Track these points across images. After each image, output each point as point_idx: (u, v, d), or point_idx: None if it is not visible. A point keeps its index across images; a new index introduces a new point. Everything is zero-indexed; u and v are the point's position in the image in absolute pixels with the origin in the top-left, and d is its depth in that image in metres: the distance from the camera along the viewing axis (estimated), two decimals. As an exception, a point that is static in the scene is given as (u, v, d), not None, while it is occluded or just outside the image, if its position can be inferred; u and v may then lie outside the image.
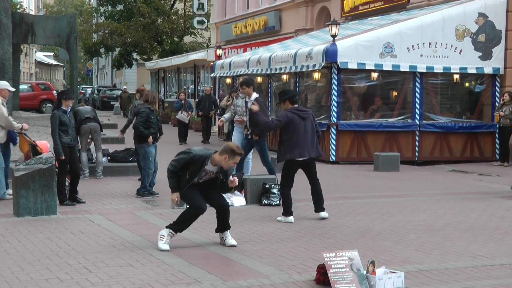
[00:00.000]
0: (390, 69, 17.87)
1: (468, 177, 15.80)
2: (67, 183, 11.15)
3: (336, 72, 17.65)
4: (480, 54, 18.46)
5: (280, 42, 25.78)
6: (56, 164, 10.74)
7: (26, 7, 71.36)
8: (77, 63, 16.66)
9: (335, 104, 17.60)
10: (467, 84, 19.21)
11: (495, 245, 8.45)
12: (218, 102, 24.96)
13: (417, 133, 18.18)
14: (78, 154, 11.75)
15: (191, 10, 43.61)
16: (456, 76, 18.59)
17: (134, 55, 50.48)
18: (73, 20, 22.06)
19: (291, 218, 9.86)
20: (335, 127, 17.69)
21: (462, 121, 18.80)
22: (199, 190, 8.10)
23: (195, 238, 8.55)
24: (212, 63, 28.31)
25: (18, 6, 54.00)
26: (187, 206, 8.30)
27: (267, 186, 11.26)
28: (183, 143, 23.02)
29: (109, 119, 31.11)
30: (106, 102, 51.38)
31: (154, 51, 47.95)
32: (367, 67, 17.76)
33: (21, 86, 33.50)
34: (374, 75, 18.09)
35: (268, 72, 21.30)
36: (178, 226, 8.09)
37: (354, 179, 14.88)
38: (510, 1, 18.70)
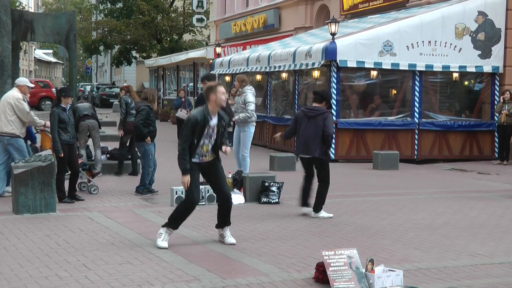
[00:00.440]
0: (390, 67, 17.87)
1: (467, 175, 15.81)
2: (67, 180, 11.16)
3: (335, 70, 17.65)
4: (479, 52, 18.47)
5: (279, 40, 25.80)
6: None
7: (26, 5, 71.37)
8: (76, 60, 16.60)
9: (334, 102, 17.59)
10: (466, 83, 19.22)
11: (494, 244, 8.45)
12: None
13: (416, 131, 18.18)
14: (78, 152, 11.74)
15: (191, 8, 43.60)
16: (455, 75, 18.60)
17: (134, 53, 50.47)
18: (73, 17, 21.99)
19: (304, 209, 10.18)
20: (334, 126, 17.66)
21: (461, 120, 18.81)
22: (205, 176, 8.11)
23: (194, 236, 8.55)
24: (211, 61, 28.34)
25: (17, 4, 53.99)
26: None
27: (266, 184, 11.25)
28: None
29: (106, 117, 31.08)
30: (106, 100, 51.36)
31: (153, 48, 47.95)
32: (367, 65, 17.76)
33: (20, 84, 33.47)
34: (374, 73, 18.09)
35: (267, 70, 21.31)
36: (174, 222, 8.05)
37: (353, 177, 14.89)
38: (509, 0, 18.70)
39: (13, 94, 11.47)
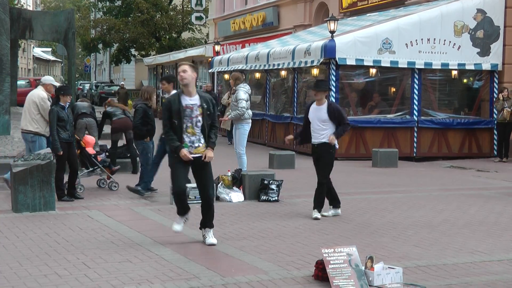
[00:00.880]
0: (389, 65, 17.87)
1: (466, 173, 15.81)
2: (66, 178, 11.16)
3: (334, 68, 17.65)
4: (478, 50, 18.46)
5: (278, 38, 25.78)
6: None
7: (24, 3, 71.25)
8: (75, 58, 16.64)
9: (333, 100, 17.57)
10: (465, 80, 19.22)
11: (493, 241, 8.46)
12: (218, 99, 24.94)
13: (415, 129, 18.18)
14: (78, 150, 11.73)
15: (190, 6, 43.58)
16: (454, 72, 18.59)
17: (132, 51, 50.43)
18: (71, 15, 22.02)
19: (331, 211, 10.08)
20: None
21: (460, 117, 18.81)
22: (194, 173, 8.13)
23: (193, 234, 8.54)
24: (210, 59, 28.32)
25: (16, 2, 53.89)
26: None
27: (266, 182, 11.24)
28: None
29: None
30: (104, 98, 51.18)
31: (152, 47, 47.89)
32: (366, 63, 17.76)
33: (19, 82, 33.47)
34: (373, 71, 18.09)
35: (266, 68, 21.30)
36: (177, 209, 8.18)
37: (352, 175, 14.88)
38: (508, -2, 18.72)
39: (39, 93, 11.51)
